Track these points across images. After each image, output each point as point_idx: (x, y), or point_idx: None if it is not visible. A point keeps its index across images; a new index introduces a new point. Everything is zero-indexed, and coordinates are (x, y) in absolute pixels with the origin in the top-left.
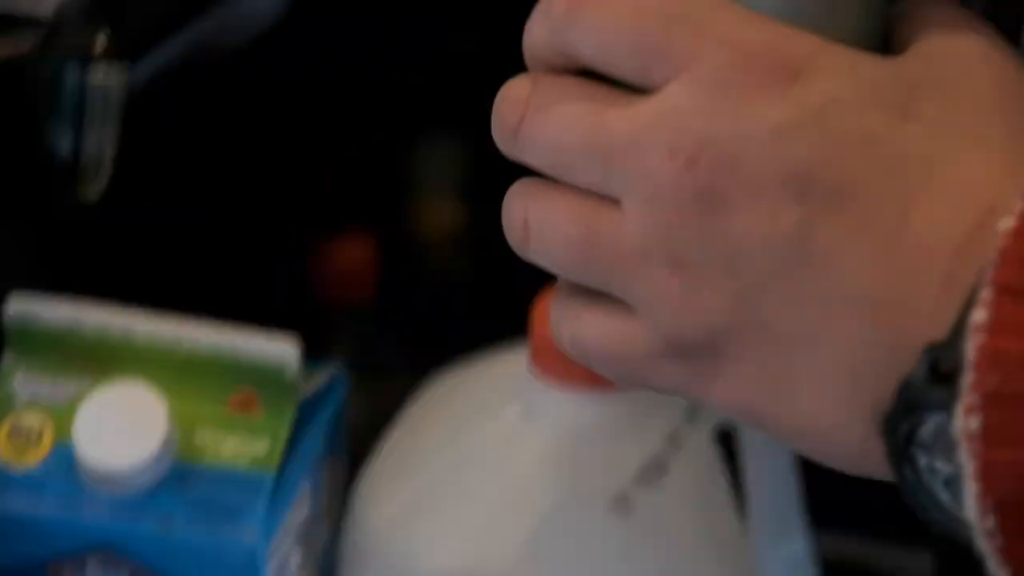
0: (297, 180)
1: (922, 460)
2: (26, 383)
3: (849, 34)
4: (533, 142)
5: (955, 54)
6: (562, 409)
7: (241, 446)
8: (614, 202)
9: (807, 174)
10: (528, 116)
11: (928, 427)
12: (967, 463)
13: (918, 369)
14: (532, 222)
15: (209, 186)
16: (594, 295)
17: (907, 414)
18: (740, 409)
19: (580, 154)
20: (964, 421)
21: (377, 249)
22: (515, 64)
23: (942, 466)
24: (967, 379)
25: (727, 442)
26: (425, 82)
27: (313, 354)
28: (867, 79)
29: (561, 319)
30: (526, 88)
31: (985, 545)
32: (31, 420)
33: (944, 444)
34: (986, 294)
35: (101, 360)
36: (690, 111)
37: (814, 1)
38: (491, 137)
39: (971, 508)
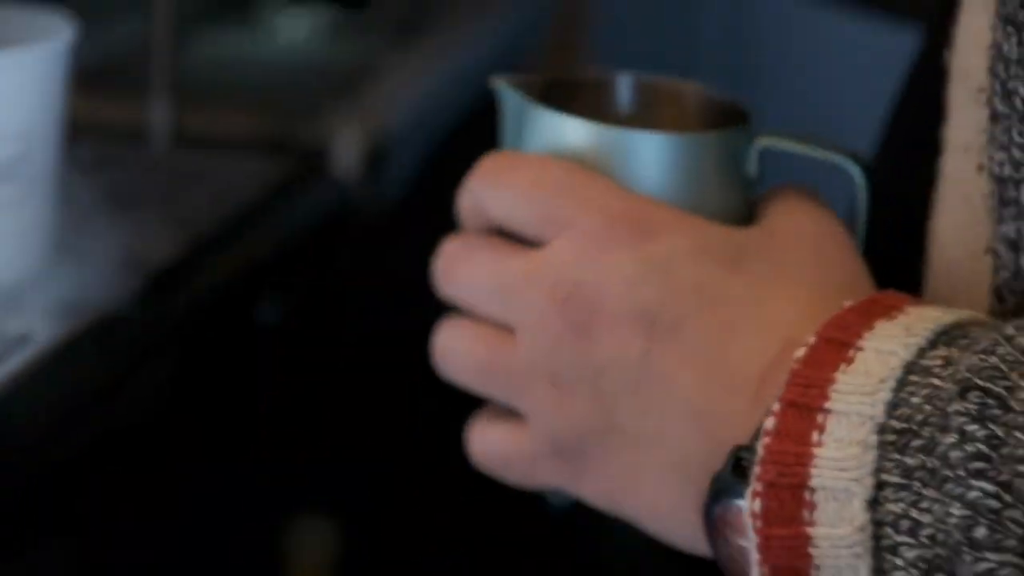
0: (172, 563)
1: (732, 538)
2: None
3: (714, 211)
4: (456, 284)
5: (788, 226)
6: None
7: None
8: (510, 331)
9: (651, 312)
10: (453, 264)
11: (733, 511)
12: (752, 538)
13: (726, 465)
14: (448, 346)
15: None
16: (499, 414)
17: (717, 500)
18: (604, 499)
19: (486, 291)
20: (751, 504)
21: None
22: (376, 458)
23: (744, 543)
24: (755, 472)
25: None
26: (297, 467)
27: None
28: (706, 240)
29: (472, 437)
30: (454, 244)
31: None
32: None
33: (742, 524)
34: (776, 407)
35: None
36: (567, 261)
37: (684, 186)
38: (363, 517)
39: (755, 575)
